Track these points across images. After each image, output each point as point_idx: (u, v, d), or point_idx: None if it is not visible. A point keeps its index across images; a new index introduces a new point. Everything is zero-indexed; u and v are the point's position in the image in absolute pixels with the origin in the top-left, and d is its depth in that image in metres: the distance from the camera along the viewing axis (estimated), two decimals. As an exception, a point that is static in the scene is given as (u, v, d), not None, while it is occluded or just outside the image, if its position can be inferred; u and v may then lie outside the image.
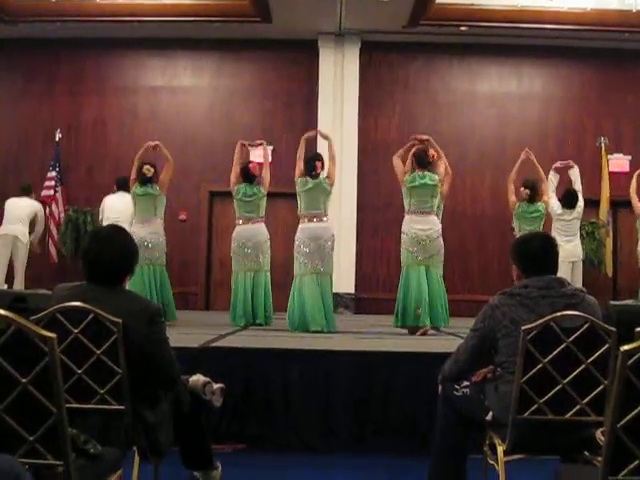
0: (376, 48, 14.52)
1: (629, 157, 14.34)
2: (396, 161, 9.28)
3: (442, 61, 14.88)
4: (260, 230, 9.73)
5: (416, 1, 12.72)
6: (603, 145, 13.75)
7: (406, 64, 14.81)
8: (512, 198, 10.35)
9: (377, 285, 14.11)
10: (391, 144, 14.42)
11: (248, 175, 9.75)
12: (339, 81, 14.36)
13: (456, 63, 14.89)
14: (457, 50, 14.69)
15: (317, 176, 9.20)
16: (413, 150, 9.22)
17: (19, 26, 13.78)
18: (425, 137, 9.43)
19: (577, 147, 14.52)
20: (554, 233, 10.29)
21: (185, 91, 14.91)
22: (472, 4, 13.20)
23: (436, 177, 9.03)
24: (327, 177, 9.31)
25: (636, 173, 10.88)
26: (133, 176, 9.89)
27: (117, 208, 11.32)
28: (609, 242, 13.36)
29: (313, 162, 9.27)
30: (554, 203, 10.63)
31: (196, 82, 14.97)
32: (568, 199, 10.69)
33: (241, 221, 9.76)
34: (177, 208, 13.72)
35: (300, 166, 9.28)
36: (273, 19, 13.53)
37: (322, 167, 9.31)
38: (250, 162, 9.95)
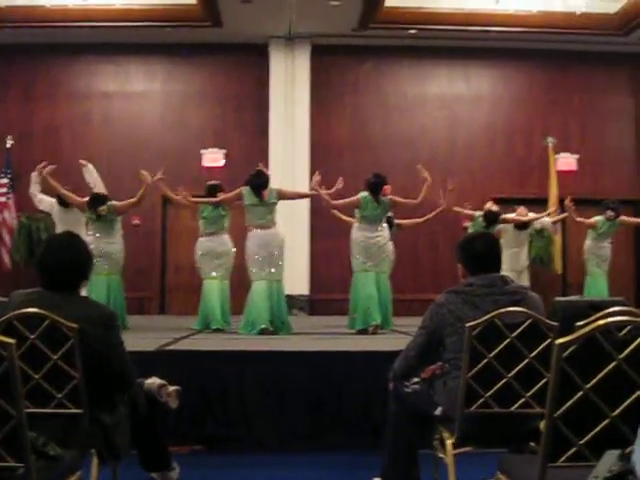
0: (326, 51, 14.63)
1: (577, 156, 14.58)
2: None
3: (392, 64, 15.03)
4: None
5: (365, 4, 12.87)
6: (550, 144, 13.97)
7: (356, 67, 14.94)
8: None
9: (331, 286, 14.21)
10: (343, 146, 14.60)
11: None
12: (290, 84, 14.44)
13: (406, 66, 15.06)
14: (407, 53, 14.85)
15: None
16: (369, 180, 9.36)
17: (-32, 33, 13.71)
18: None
19: (526, 147, 14.78)
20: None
21: (138, 96, 14.91)
22: (420, 7, 13.38)
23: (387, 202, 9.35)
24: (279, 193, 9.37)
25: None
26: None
27: None
28: (558, 240, 13.58)
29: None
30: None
31: (148, 87, 14.97)
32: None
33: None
34: (131, 213, 13.67)
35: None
36: (223, 23, 13.60)
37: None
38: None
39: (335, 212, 10.45)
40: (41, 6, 11.99)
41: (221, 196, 9.70)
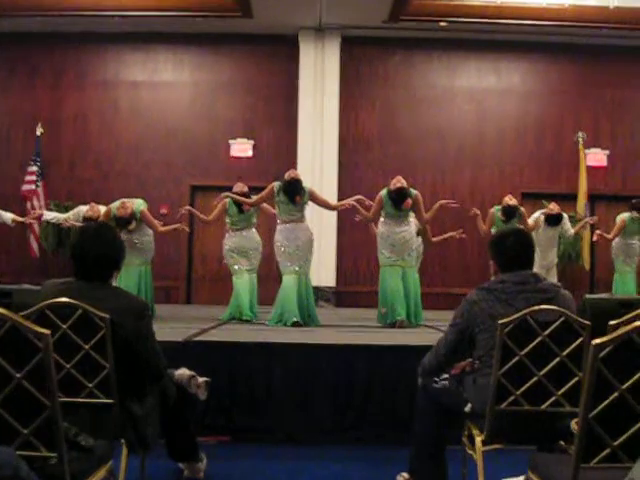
0: (356, 43, 14.59)
1: (607, 152, 14.51)
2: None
3: (422, 56, 14.96)
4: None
5: (396, -4, 12.82)
6: (581, 140, 13.88)
7: (386, 59, 14.88)
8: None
9: (358, 278, 14.22)
10: (371, 138, 14.57)
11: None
12: (319, 76, 14.41)
13: (436, 58, 14.98)
14: (437, 45, 14.78)
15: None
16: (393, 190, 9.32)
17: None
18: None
19: (555, 142, 14.67)
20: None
21: (166, 86, 14.93)
22: (451, 0, 13.30)
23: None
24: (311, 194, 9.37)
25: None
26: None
27: None
28: (586, 236, 13.49)
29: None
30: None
31: (177, 77, 14.98)
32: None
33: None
34: (158, 202, 13.75)
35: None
36: (254, 14, 13.57)
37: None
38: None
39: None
40: (72, -5, 12.06)
41: (254, 198, 9.72)
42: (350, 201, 9.45)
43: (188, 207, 10.89)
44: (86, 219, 10.37)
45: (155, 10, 13.36)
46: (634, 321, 2.58)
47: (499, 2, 12.77)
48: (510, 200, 10.78)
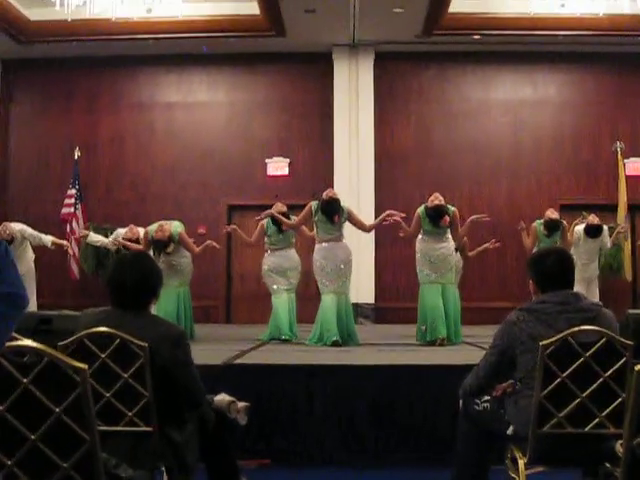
0: (390, 58, 14.60)
1: (646, 161, 14.39)
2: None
3: (456, 70, 14.92)
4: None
5: (429, 11, 12.80)
6: (619, 149, 13.72)
7: (420, 73, 14.87)
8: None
9: (397, 294, 14.16)
10: (407, 153, 14.55)
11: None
12: (354, 92, 14.45)
13: (470, 71, 14.94)
14: (470, 58, 14.74)
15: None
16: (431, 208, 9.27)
17: (35, 46, 13.97)
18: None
19: (593, 152, 14.55)
20: None
21: (201, 106, 15.02)
22: (485, 12, 13.25)
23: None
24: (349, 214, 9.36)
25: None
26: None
27: None
28: (627, 246, 13.33)
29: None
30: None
31: (212, 97, 15.08)
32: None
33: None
34: (196, 223, 13.81)
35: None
36: (287, 33, 13.64)
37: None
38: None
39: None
40: (106, 19, 12.11)
41: (293, 219, 9.74)
42: (384, 217, 9.43)
43: (234, 226, 10.87)
44: (125, 240, 10.47)
45: (188, 32, 13.44)
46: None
47: (532, 13, 12.67)
48: (552, 214, 10.72)
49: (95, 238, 11.53)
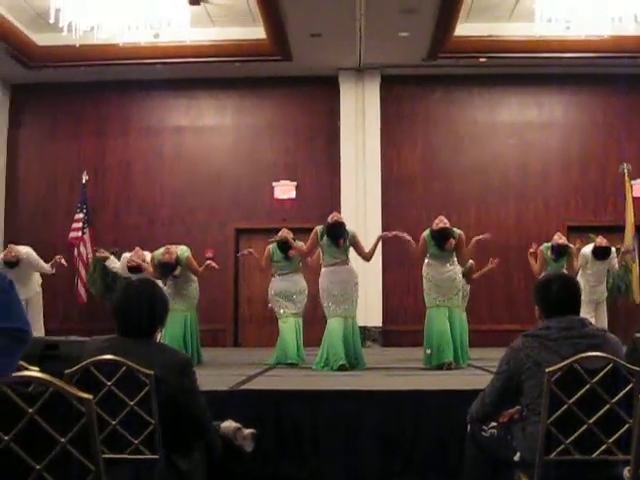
0: (396, 82, 14.66)
1: (653, 182, 14.39)
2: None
3: (462, 92, 14.97)
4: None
5: (434, 35, 12.86)
6: (626, 171, 13.71)
7: (426, 97, 14.92)
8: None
9: (405, 317, 14.14)
10: (415, 176, 14.58)
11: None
12: (360, 115, 14.50)
13: (476, 94, 14.99)
14: (476, 81, 14.79)
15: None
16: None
17: (44, 71, 14.07)
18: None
19: (600, 174, 14.56)
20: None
21: (209, 130, 15.10)
22: (490, 35, 13.30)
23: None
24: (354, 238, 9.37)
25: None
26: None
27: None
28: (635, 268, 13.30)
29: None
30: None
31: (219, 121, 15.15)
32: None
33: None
34: (205, 246, 13.85)
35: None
36: (293, 57, 13.72)
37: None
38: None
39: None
40: (114, 44, 12.18)
41: (300, 246, 9.72)
42: (377, 241, 9.50)
43: (250, 250, 10.89)
44: (130, 263, 10.49)
45: (196, 56, 13.51)
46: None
47: (538, 36, 12.71)
48: (560, 239, 10.73)
49: (114, 264, 11.53)
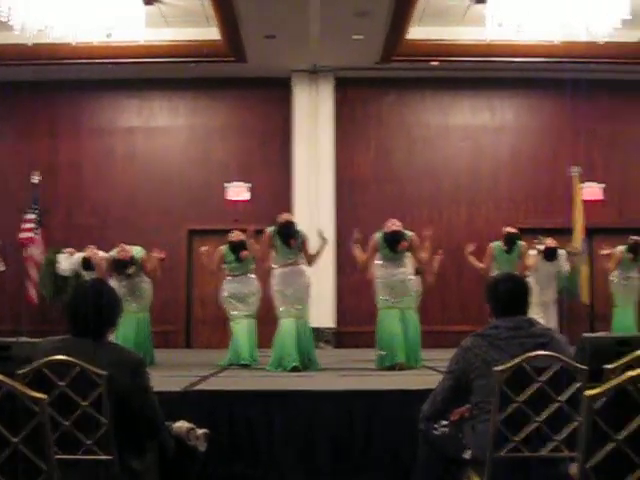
0: (350, 84, 14.69)
1: (602, 185, 14.56)
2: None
3: (415, 95, 15.07)
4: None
5: (388, 38, 12.93)
6: (575, 174, 13.89)
7: (380, 99, 14.98)
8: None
9: (359, 319, 14.16)
10: (368, 178, 14.63)
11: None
12: (314, 118, 14.51)
13: (429, 97, 15.10)
14: (429, 84, 14.90)
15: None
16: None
17: (-6, 70, 13.89)
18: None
19: (551, 177, 14.71)
20: None
21: (162, 131, 15.02)
22: (442, 39, 13.39)
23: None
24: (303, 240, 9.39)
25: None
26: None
27: None
28: (585, 270, 13.47)
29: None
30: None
31: (172, 122, 15.08)
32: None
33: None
34: (157, 247, 13.74)
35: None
36: (247, 58, 13.69)
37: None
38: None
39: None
40: (67, 44, 12.06)
41: (253, 246, 9.67)
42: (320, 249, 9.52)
43: (207, 248, 10.78)
44: (86, 260, 10.42)
45: (148, 56, 13.42)
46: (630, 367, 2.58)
47: (489, 40, 12.84)
48: (511, 229, 10.88)
49: (62, 266, 11.39)
